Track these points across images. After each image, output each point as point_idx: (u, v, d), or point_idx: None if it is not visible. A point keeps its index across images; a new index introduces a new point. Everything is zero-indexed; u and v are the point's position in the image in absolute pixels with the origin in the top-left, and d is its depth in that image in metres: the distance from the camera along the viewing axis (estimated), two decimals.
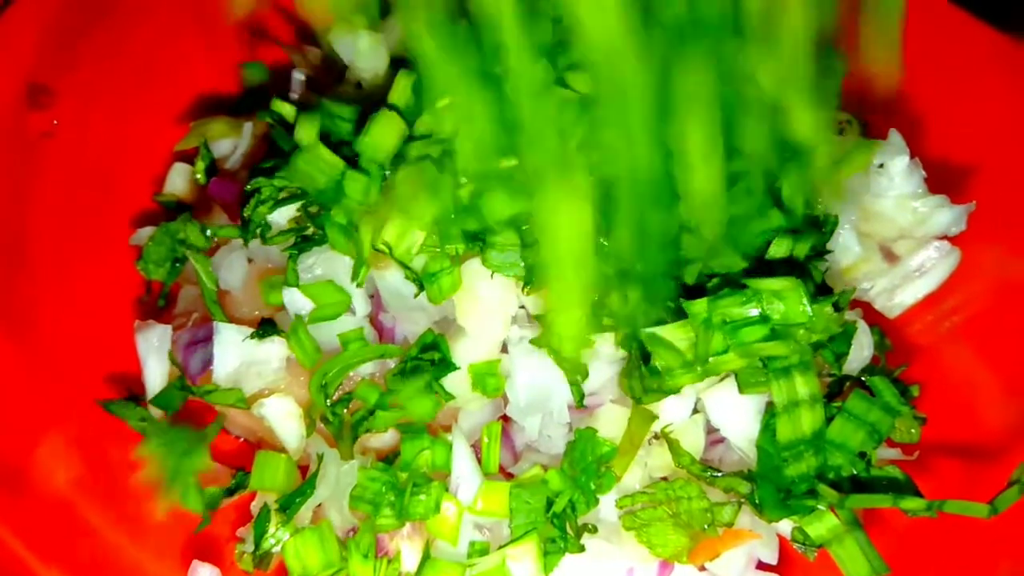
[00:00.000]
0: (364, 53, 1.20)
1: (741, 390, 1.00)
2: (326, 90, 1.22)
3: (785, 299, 0.93)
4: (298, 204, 1.06)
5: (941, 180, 1.24)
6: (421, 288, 1.01)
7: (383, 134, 1.00)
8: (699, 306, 0.93)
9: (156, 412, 1.15)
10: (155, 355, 1.15)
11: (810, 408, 0.98)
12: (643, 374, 0.99)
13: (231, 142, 1.25)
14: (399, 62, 1.16)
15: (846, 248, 1.16)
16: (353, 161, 1.02)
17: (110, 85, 1.30)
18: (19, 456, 1.08)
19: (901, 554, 1.07)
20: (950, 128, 1.30)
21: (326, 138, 1.05)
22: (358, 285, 1.02)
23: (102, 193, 1.29)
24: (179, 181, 1.31)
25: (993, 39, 1.31)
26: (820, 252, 1.07)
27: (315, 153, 1.01)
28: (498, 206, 0.96)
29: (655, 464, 1.06)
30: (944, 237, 1.22)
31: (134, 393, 1.17)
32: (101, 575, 1.05)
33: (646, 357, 0.99)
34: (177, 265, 1.22)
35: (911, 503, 0.95)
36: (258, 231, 1.07)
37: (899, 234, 1.23)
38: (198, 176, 1.26)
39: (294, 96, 1.27)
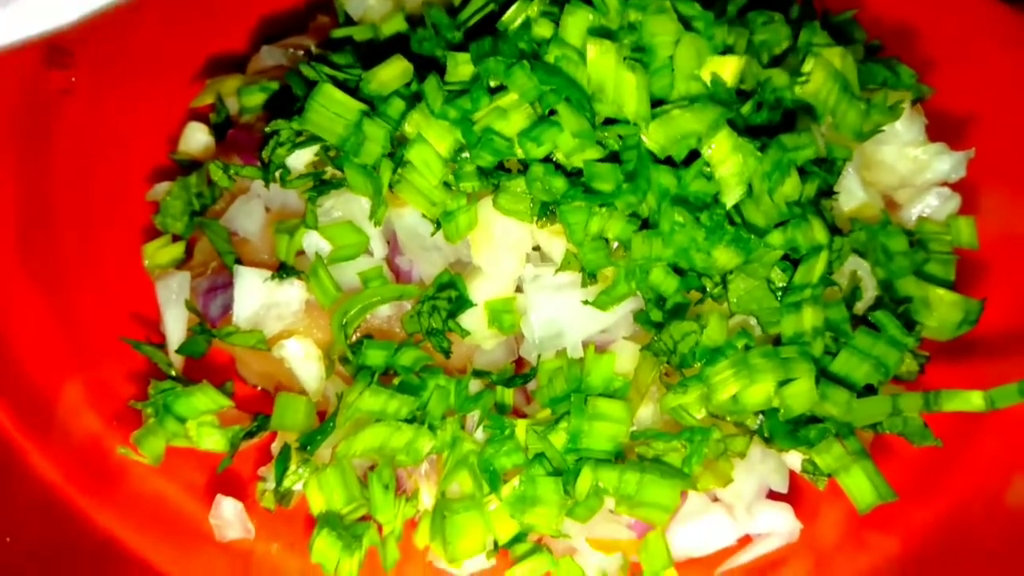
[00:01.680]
0: (373, 8, 1.23)
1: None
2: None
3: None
4: (316, 148, 1.08)
5: (941, 128, 1.28)
6: (438, 227, 1.04)
7: (390, 73, 1.03)
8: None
9: (176, 360, 1.18)
10: (175, 302, 1.17)
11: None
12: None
13: None
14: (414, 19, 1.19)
15: (851, 193, 1.18)
16: (371, 105, 1.04)
17: (126, 45, 1.34)
18: (48, 396, 1.11)
19: (908, 482, 1.11)
20: (949, 77, 1.33)
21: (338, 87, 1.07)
22: (376, 224, 1.05)
23: (119, 150, 1.32)
24: (194, 139, 1.33)
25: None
26: (827, 192, 1.10)
27: (330, 97, 1.03)
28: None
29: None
30: (944, 184, 1.25)
31: (152, 341, 1.19)
32: (131, 506, 1.08)
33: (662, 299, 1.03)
34: (194, 218, 1.25)
35: (908, 401, 0.98)
36: (277, 174, 1.09)
37: (900, 182, 1.26)
38: (212, 132, 1.29)
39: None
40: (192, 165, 1.32)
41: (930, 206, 1.24)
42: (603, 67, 0.95)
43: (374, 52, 1.18)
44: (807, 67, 1.08)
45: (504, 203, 0.99)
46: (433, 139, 0.99)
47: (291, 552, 1.11)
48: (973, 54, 1.38)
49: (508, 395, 1.10)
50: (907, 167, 1.24)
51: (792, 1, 1.28)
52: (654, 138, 0.95)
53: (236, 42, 1.41)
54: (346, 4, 1.27)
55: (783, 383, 0.99)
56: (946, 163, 1.23)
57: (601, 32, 0.96)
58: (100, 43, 1.32)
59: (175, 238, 1.26)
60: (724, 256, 0.97)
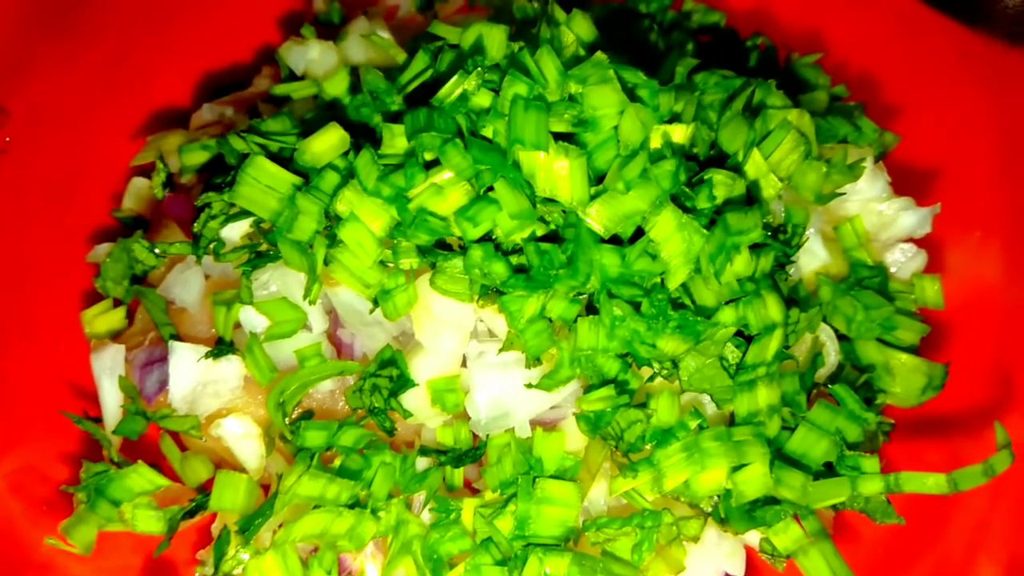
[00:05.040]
0: (316, 62, 1.19)
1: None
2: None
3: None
4: (251, 219, 1.04)
5: (907, 177, 1.24)
6: (376, 305, 0.99)
7: (324, 143, 0.98)
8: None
9: (114, 438, 1.13)
10: (110, 376, 1.13)
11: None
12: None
13: None
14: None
15: (812, 253, 1.14)
16: (305, 176, 1.00)
17: (64, 102, 1.29)
18: None
19: (872, 563, 1.07)
20: (917, 123, 1.29)
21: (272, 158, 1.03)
22: (311, 303, 1.00)
23: (59, 210, 1.27)
24: (138, 196, 1.29)
25: (948, 28, 1.31)
26: (783, 264, 1.05)
27: (262, 170, 0.99)
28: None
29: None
30: (910, 239, 1.21)
31: (89, 415, 1.15)
32: None
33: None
34: (135, 283, 1.20)
35: (869, 484, 0.94)
36: (211, 247, 1.05)
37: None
38: (155, 191, 1.24)
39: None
40: (136, 223, 1.28)
41: (895, 263, 1.20)
42: (532, 156, 0.90)
43: (315, 112, 1.14)
44: (763, 128, 1.04)
45: (442, 284, 0.95)
46: (367, 218, 0.95)
47: None
48: (943, 97, 1.34)
49: (457, 475, 1.05)
50: (872, 223, 1.20)
51: (749, 52, 1.24)
52: (596, 219, 0.91)
53: (181, 95, 1.36)
54: (287, 57, 1.23)
55: (736, 468, 0.95)
56: (911, 219, 1.20)
57: (539, 107, 0.91)
58: (36, 99, 1.27)
59: (116, 303, 1.22)
60: (670, 344, 0.92)
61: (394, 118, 1.01)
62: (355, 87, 1.12)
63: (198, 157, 1.18)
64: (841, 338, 1.13)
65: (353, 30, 1.24)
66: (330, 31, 1.33)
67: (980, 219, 1.24)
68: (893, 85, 1.36)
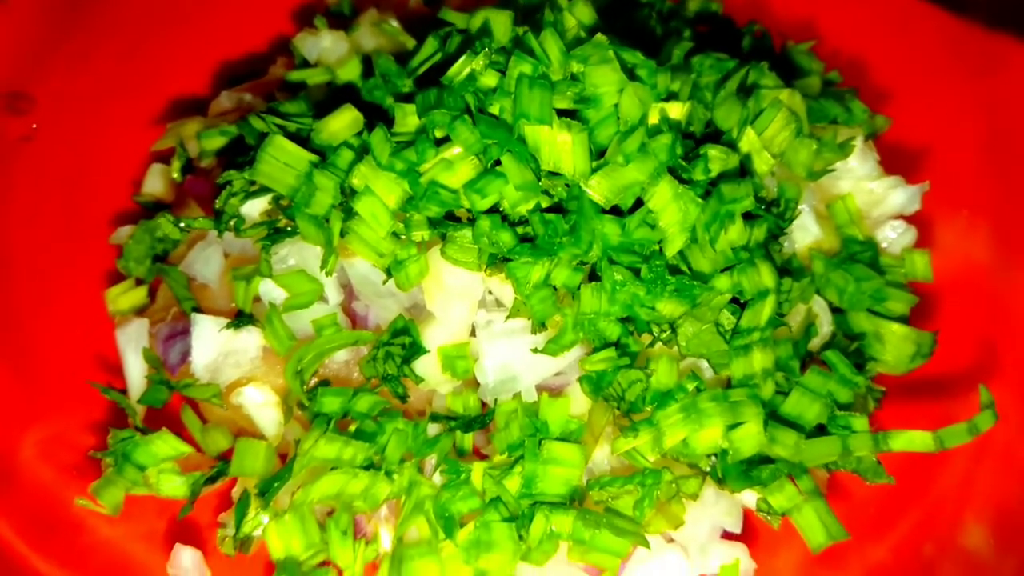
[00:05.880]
0: (328, 50, 1.24)
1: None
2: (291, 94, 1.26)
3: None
4: (269, 196, 1.09)
5: (898, 159, 1.28)
6: (389, 275, 1.04)
7: (340, 123, 1.03)
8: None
9: (138, 407, 1.18)
10: (134, 349, 1.18)
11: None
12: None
13: None
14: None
15: (805, 229, 1.18)
16: (321, 155, 1.05)
17: (87, 89, 1.34)
18: (6, 449, 1.11)
19: (863, 520, 1.11)
20: (908, 107, 1.33)
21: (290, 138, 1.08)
22: (327, 274, 1.05)
23: (82, 194, 1.32)
24: (157, 181, 1.34)
25: (937, 16, 1.35)
26: (776, 235, 1.10)
27: (281, 148, 1.04)
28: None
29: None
30: (900, 216, 1.26)
31: (114, 387, 1.20)
32: (87, 560, 1.08)
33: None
34: (157, 262, 1.26)
35: (858, 442, 0.99)
36: (231, 223, 1.10)
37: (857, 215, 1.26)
38: (175, 175, 1.30)
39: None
40: (156, 207, 1.33)
41: (886, 239, 1.25)
42: (537, 130, 0.95)
43: (329, 97, 1.19)
44: (756, 107, 1.09)
45: (452, 253, 1.00)
46: (380, 191, 1.00)
47: None
48: (932, 83, 1.38)
49: (467, 440, 1.10)
50: (862, 200, 1.24)
51: (742, 36, 1.29)
52: (597, 190, 0.96)
53: (198, 84, 1.41)
54: (301, 47, 1.28)
55: (732, 427, 1.00)
56: (901, 196, 1.24)
57: (543, 84, 0.96)
58: (60, 87, 1.32)
59: (139, 282, 1.27)
60: (668, 307, 0.97)
61: (406, 99, 1.06)
62: (367, 73, 1.18)
63: (216, 142, 1.23)
64: (834, 311, 1.18)
65: (364, 20, 1.29)
66: (342, 22, 1.38)
67: (967, 197, 1.29)
68: (884, 70, 1.41)
